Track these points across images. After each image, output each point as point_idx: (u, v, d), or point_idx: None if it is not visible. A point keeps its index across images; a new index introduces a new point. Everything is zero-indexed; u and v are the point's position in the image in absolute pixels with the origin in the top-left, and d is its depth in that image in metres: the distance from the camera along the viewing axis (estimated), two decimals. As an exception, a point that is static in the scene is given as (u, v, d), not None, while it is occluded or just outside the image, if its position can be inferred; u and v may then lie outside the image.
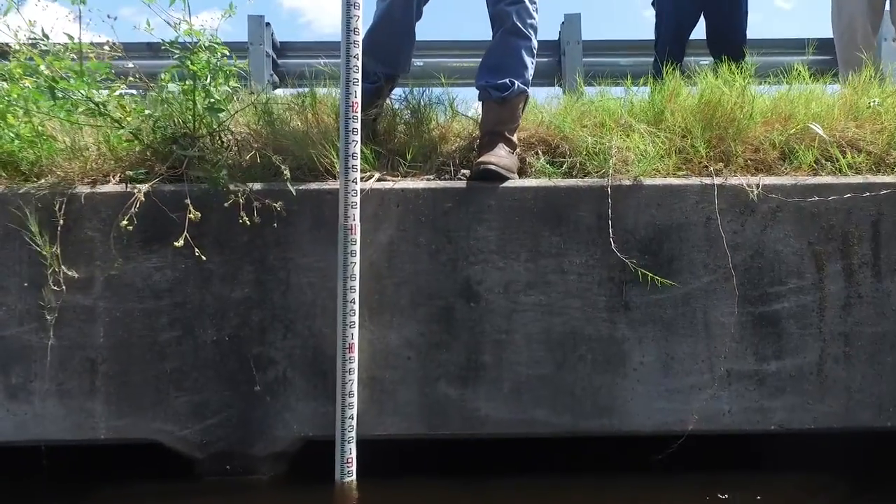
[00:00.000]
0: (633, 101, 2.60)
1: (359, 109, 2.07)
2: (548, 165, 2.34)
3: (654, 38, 3.76)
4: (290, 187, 2.12)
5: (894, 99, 2.60)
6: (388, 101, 2.58)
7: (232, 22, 3.41)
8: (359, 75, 2.07)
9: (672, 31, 3.66)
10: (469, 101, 2.68)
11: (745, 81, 2.44)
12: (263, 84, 4.10)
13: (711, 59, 3.56)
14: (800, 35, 4.84)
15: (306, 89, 2.59)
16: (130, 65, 3.51)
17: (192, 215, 2.01)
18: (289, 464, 2.17)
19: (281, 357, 2.15)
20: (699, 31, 3.71)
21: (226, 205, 2.05)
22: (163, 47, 2.24)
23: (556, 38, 5.00)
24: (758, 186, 2.17)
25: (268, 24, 4.71)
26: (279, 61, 4.94)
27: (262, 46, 4.63)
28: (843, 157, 2.35)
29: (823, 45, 4.22)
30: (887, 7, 3.58)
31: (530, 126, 2.55)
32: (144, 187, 2.13)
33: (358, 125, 2.06)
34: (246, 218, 2.02)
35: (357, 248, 2.06)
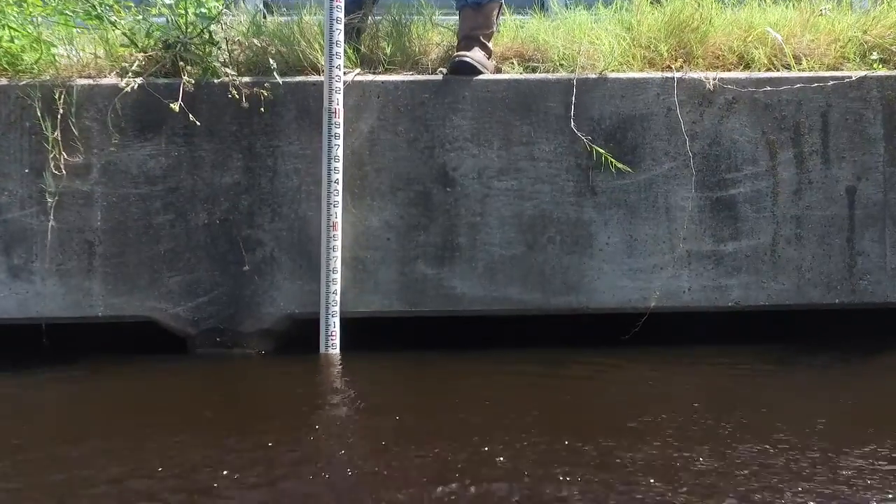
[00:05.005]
0: (604, 16, 2.74)
1: (342, 1, 2.20)
2: (522, 71, 2.48)
3: None
4: (278, 78, 2.26)
5: (850, 18, 2.76)
6: (371, 17, 2.72)
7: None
8: (340, -31, 2.21)
9: None
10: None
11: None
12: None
13: None
14: None
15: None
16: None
17: (186, 79, 2.15)
18: (276, 340, 2.31)
19: (268, 239, 2.28)
20: None
21: (216, 81, 2.19)
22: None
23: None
24: (715, 79, 2.32)
25: (258, -23, 4.83)
26: (269, 18, 5.06)
27: (252, -1, 4.75)
28: (799, 64, 2.50)
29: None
30: None
31: (507, 42, 2.69)
32: (140, 79, 2.27)
33: (342, 15, 2.21)
34: (235, 93, 2.16)
35: (340, 131, 2.20)
